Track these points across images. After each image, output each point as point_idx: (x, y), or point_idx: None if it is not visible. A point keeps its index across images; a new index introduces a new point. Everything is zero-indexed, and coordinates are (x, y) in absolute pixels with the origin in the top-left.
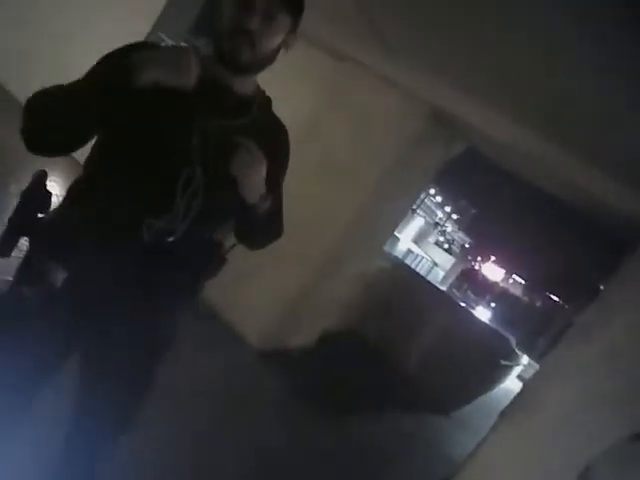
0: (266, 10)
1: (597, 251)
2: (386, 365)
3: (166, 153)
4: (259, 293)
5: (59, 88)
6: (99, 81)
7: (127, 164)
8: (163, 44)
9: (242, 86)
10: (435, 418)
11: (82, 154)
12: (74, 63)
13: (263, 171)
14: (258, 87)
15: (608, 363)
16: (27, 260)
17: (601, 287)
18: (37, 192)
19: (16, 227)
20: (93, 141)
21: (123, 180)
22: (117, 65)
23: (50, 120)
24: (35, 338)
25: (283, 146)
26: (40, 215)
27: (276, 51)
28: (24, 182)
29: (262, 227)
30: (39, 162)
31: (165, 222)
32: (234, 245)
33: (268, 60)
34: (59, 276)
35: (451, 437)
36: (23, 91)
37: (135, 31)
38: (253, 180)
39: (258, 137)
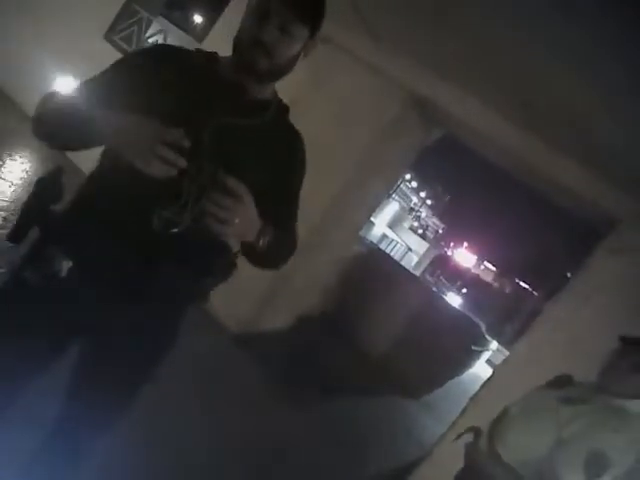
0: (282, 22)
1: (566, 240)
2: (359, 349)
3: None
4: (236, 277)
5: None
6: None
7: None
8: (137, 16)
9: (259, 91)
10: (405, 402)
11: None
12: (49, 32)
13: (250, 211)
14: (275, 94)
15: (575, 350)
16: (34, 247)
17: (569, 275)
18: (51, 183)
19: (29, 216)
20: None
21: (134, 170)
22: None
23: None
24: (34, 324)
25: (297, 154)
26: (52, 205)
27: (294, 59)
28: (7, 164)
29: (268, 255)
30: (28, 148)
31: (172, 213)
32: (239, 251)
33: (286, 68)
34: (64, 265)
35: (421, 421)
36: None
37: (110, 3)
38: (240, 229)
39: (268, 140)
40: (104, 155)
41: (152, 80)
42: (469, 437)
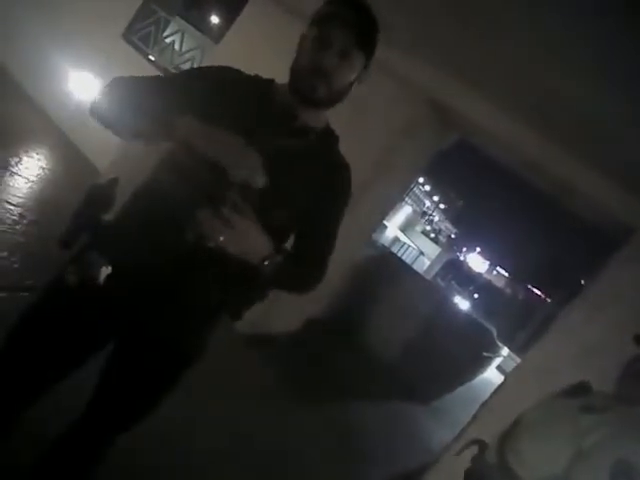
0: (342, 49)
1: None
2: (369, 352)
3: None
4: None
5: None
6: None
7: (185, 167)
8: (155, 16)
9: (310, 118)
10: (414, 407)
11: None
12: (64, 31)
13: (251, 236)
14: (327, 124)
15: (588, 359)
16: (79, 252)
17: (583, 283)
18: (103, 192)
19: (81, 223)
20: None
21: (179, 182)
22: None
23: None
24: (70, 325)
25: (341, 185)
26: (102, 214)
27: (349, 86)
28: (9, 151)
29: (280, 279)
30: (45, 146)
31: (207, 229)
32: None
33: (341, 96)
34: (103, 271)
35: (430, 426)
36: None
37: (128, 3)
38: (240, 247)
39: (314, 168)
40: (153, 172)
41: (209, 95)
42: (474, 449)
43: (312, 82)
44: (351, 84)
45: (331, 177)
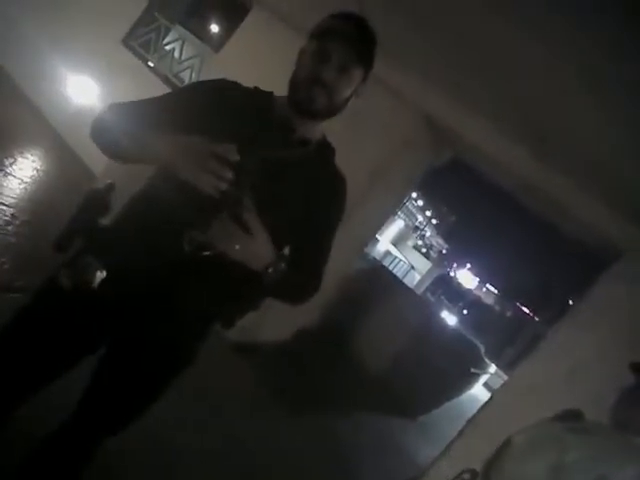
0: (341, 63)
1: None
2: (358, 365)
3: None
4: None
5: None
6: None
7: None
8: (156, 23)
9: (307, 131)
10: (402, 421)
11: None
12: (64, 35)
13: (256, 242)
14: (324, 136)
15: (575, 379)
16: (74, 256)
17: (571, 302)
18: (100, 197)
19: (76, 227)
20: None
21: (175, 192)
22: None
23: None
24: (63, 328)
25: (336, 198)
26: (98, 218)
27: (347, 100)
28: (4, 152)
29: (280, 288)
30: (40, 147)
31: (206, 238)
32: None
33: (339, 108)
34: (98, 275)
35: (417, 440)
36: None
37: (130, 9)
38: (244, 253)
39: (309, 179)
40: (151, 178)
41: (208, 109)
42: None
43: (311, 93)
44: (348, 98)
45: (327, 189)
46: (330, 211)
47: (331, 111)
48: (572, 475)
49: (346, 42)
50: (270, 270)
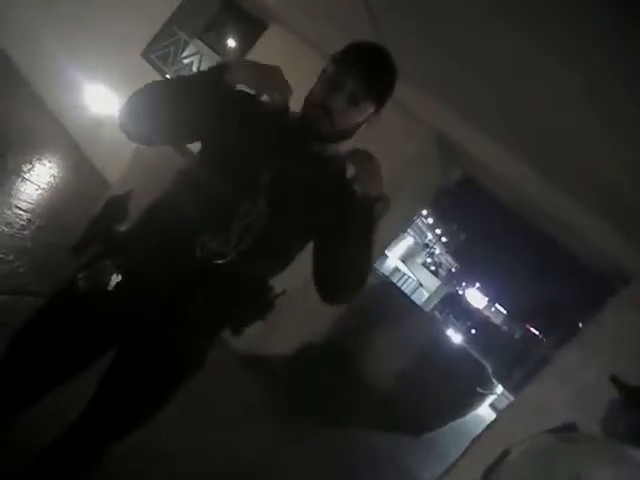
0: (352, 95)
1: (579, 290)
2: (364, 380)
3: (236, 181)
4: None
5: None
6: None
7: (198, 184)
8: (175, 37)
9: (322, 148)
10: (407, 439)
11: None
12: (85, 46)
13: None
14: (340, 154)
15: (582, 401)
16: (91, 260)
17: (580, 325)
18: (120, 205)
19: (95, 231)
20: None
21: (191, 199)
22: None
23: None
24: (76, 329)
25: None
26: (117, 225)
27: (357, 127)
28: (23, 158)
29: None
30: (57, 153)
31: (219, 245)
32: (284, 291)
33: (347, 134)
34: (113, 279)
35: (421, 459)
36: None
37: (151, 23)
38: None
39: (327, 193)
40: (167, 187)
41: (231, 114)
42: None
43: (317, 118)
44: (358, 126)
45: (344, 207)
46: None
47: (336, 136)
48: (551, 477)
49: (359, 77)
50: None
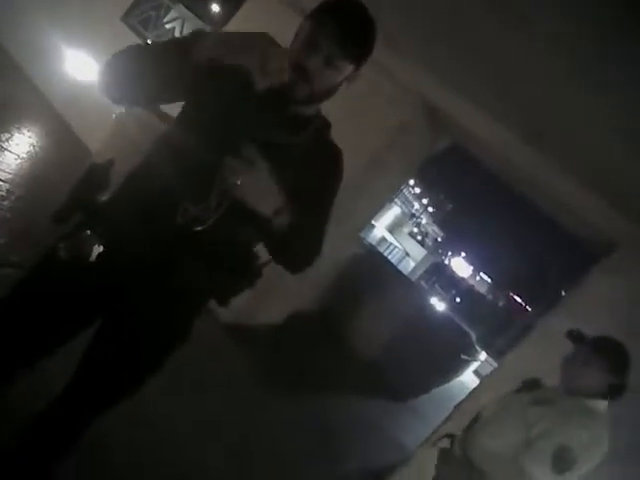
0: (329, 56)
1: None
2: (350, 348)
3: (216, 147)
4: None
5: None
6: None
7: (178, 151)
8: (157, 1)
9: (301, 110)
10: (392, 405)
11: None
12: (63, 11)
13: (261, 178)
14: (319, 112)
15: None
16: (72, 229)
17: (563, 293)
18: (101, 173)
19: (76, 200)
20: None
21: (171, 166)
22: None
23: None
24: (59, 299)
25: (333, 170)
26: (98, 194)
27: (336, 87)
28: (1, 127)
29: (283, 243)
30: (37, 122)
31: (200, 211)
32: (270, 260)
33: (326, 94)
34: (95, 249)
35: (405, 424)
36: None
37: None
38: (248, 192)
39: (306, 156)
40: (147, 154)
41: (207, 81)
42: (446, 443)
43: (293, 79)
44: (339, 84)
45: (324, 160)
46: (327, 180)
47: (316, 97)
48: (537, 447)
49: (335, 38)
50: (279, 218)
